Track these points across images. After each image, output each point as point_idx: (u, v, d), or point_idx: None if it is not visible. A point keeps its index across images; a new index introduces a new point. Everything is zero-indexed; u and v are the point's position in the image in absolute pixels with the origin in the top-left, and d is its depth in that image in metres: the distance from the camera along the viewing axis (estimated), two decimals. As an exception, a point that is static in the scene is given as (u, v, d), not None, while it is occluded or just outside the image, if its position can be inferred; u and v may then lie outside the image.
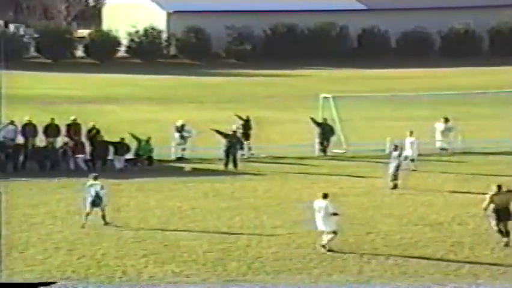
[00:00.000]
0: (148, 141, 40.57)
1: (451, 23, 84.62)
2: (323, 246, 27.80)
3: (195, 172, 39.74)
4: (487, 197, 28.26)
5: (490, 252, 28.08)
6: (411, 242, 28.97)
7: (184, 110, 51.43)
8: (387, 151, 43.18)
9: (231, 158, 40.07)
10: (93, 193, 30.56)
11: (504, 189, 28.34)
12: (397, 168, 35.97)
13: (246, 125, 42.66)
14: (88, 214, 30.56)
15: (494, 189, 28.33)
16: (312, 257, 27.43)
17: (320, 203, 28.37)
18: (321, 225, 28.06)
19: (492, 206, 28.02)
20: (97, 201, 30.49)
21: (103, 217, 30.69)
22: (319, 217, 28.14)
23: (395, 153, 36.52)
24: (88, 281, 21.25)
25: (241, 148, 41.24)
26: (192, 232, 29.97)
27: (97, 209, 30.59)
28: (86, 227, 30.09)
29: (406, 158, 38.04)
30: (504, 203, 27.96)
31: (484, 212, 28.57)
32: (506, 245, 27.97)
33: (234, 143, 40.29)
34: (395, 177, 35.84)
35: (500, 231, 28.08)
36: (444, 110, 45.91)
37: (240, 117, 42.87)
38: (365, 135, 44.95)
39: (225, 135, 40.46)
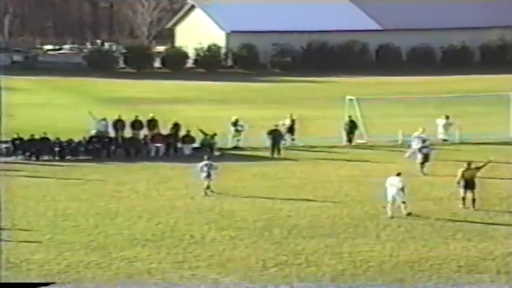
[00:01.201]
0: (213, 136, 40.53)
1: (450, 41, 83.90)
2: (409, 213, 27.81)
3: (246, 157, 39.67)
4: (459, 172, 29.11)
5: (481, 220, 27.83)
6: (417, 213, 28.74)
7: (238, 109, 51.29)
8: (399, 142, 42.91)
9: (276, 147, 40.08)
10: (206, 169, 30.93)
11: (472, 166, 29.30)
12: (425, 157, 35.19)
13: (293, 122, 42.91)
14: (208, 187, 31.05)
15: (465, 165, 29.33)
16: (339, 225, 27.33)
17: (393, 179, 28.34)
18: (393, 197, 28.03)
19: (462, 178, 28.91)
20: (209, 175, 31.10)
21: (208, 187, 31.01)
22: (391, 190, 28.02)
23: (421, 144, 36.05)
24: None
25: (283, 139, 41.26)
26: (244, 205, 29.96)
27: (207, 182, 30.99)
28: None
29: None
30: (471, 177, 28.94)
31: (457, 184, 29.07)
32: (473, 206, 28.69)
33: (276, 136, 40.43)
34: (423, 163, 35.12)
35: (464, 198, 28.90)
36: (445, 109, 45.45)
37: (291, 116, 43.07)
38: (381, 129, 44.58)
39: (270, 131, 40.51)
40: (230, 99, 61.49)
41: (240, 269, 22.86)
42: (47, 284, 14.61)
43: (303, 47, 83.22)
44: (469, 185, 28.84)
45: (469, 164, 29.39)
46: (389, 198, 28.19)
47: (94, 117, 41.29)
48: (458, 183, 29.02)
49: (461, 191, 28.94)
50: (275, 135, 40.42)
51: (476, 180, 29.12)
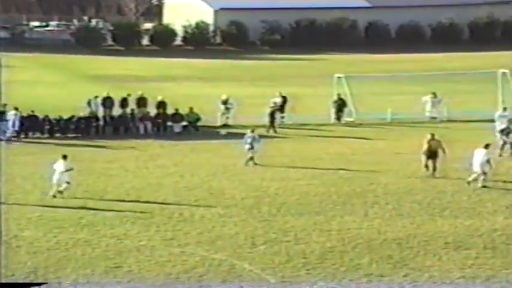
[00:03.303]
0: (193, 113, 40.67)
1: (438, 18, 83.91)
2: (484, 186, 28.55)
3: (236, 135, 39.77)
4: (424, 142, 30.74)
5: (467, 198, 28.06)
6: (405, 190, 28.97)
7: (227, 87, 51.35)
8: (388, 120, 43.06)
9: (272, 125, 40.48)
10: (249, 141, 31.88)
11: (436, 137, 30.99)
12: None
13: (283, 100, 43.00)
14: (251, 158, 31.90)
15: (428, 136, 31.01)
16: (327, 203, 27.50)
17: (480, 151, 28.89)
18: (477, 168, 28.82)
19: (426, 148, 30.50)
20: (252, 147, 31.97)
21: (251, 158, 31.70)
22: (477, 161, 28.81)
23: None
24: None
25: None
26: (233, 183, 30.10)
27: (251, 154, 31.88)
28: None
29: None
30: (434, 147, 30.50)
31: (423, 154, 30.45)
32: (433, 175, 30.21)
33: (273, 113, 40.78)
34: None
35: (426, 166, 30.47)
36: (433, 87, 45.60)
37: (280, 94, 43.12)
38: (370, 107, 44.75)
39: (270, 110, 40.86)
40: (219, 76, 61.48)
41: (229, 247, 23.03)
42: (40, 284, 14.56)
43: (292, 25, 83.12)
44: (431, 155, 30.48)
45: (433, 134, 31.08)
46: (475, 168, 28.81)
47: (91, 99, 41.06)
48: (424, 153, 30.54)
49: (423, 159, 30.59)
50: (273, 113, 40.74)
51: (440, 150, 30.50)
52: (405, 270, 21.57)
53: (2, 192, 25.24)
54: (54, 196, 27.23)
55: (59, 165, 27.60)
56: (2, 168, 28.45)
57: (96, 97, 41.20)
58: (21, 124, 38.33)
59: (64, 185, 27.37)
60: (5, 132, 37.80)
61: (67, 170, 27.40)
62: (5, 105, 38.62)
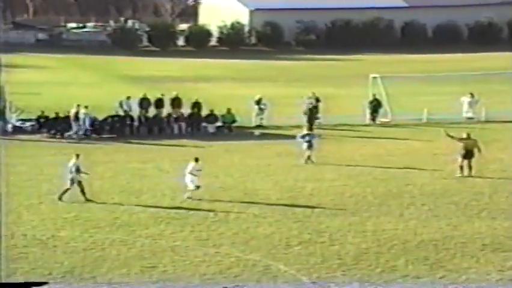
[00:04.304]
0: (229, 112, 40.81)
1: (476, 17, 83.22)
2: None
3: (270, 136, 39.80)
4: (460, 141, 31.03)
5: (505, 199, 27.79)
6: (441, 191, 28.76)
7: (261, 87, 51.38)
8: (424, 120, 42.82)
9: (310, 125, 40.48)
10: (307, 139, 32.17)
11: (472, 137, 31.12)
12: None
13: (317, 100, 42.91)
14: (309, 157, 32.22)
15: (464, 135, 31.15)
16: (362, 204, 27.40)
17: None
18: None
19: (462, 147, 30.62)
20: (310, 146, 32.29)
21: (309, 157, 32.01)
22: None
23: None
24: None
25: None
26: (267, 183, 30.08)
27: (308, 151, 32.09)
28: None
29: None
30: (470, 147, 30.59)
31: (459, 153, 30.57)
32: (469, 175, 30.20)
33: (312, 113, 40.77)
34: None
35: (461, 167, 30.47)
36: (471, 87, 45.25)
37: (314, 94, 43.06)
38: (406, 107, 44.51)
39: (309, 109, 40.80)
40: (253, 77, 61.52)
41: (264, 247, 23.03)
42: (40, 283, 14.63)
43: (327, 25, 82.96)
44: (468, 154, 30.50)
45: (468, 134, 31.18)
46: None
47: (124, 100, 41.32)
48: (460, 153, 30.63)
49: (459, 159, 30.54)
50: (311, 113, 40.69)
51: (475, 150, 30.55)
52: (442, 272, 21.41)
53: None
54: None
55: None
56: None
57: (128, 98, 41.45)
58: (92, 123, 38.62)
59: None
60: (77, 131, 38.09)
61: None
62: (78, 105, 38.96)
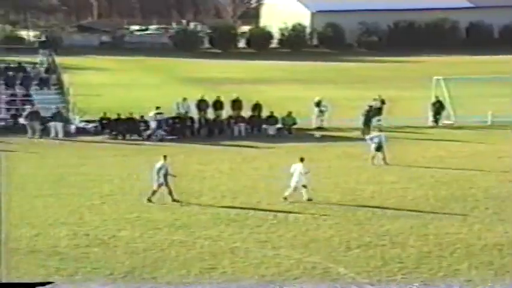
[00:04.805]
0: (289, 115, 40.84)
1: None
2: None
3: (331, 138, 39.66)
4: None
5: None
6: (507, 195, 28.28)
7: (322, 89, 51.22)
8: (488, 122, 42.22)
9: (367, 127, 40.24)
10: (376, 141, 32.01)
11: None
12: None
13: (382, 103, 42.73)
14: (373, 157, 32.35)
15: None
16: (424, 207, 27.12)
17: None
18: None
19: None
20: (379, 147, 32.26)
21: (384, 159, 32.26)
22: None
23: None
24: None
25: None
26: (327, 186, 29.96)
27: (378, 153, 32.16)
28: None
29: None
30: None
31: None
32: None
33: (369, 116, 40.51)
34: None
35: None
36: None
37: (380, 97, 42.90)
38: (470, 109, 43.94)
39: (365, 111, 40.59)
40: (314, 79, 61.40)
41: (323, 250, 22.94)
42: (45, 283, 14.80)
43: (390, 26, 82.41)
44: None
45: None
46: None
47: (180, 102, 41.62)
48: None
49: None
50: (368, 115, 40.47)
51: None
52: (508, 277, 21.03)
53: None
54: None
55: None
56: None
57: (184, 99, 41.72)
58: (167, 124, 38.96)
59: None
60: (155, 133, 38.50)
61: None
62: (157, 108, 39.39)
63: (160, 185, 27.29)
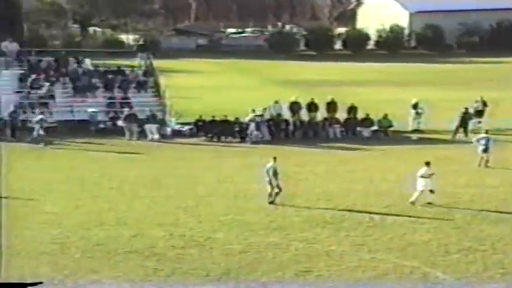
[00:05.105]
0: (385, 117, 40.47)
1: None
2: None
3: (428, 140, 39.07)
4: None
5: None
6: None
7: (419, 91, 50.56)
8: None
9: (460, 128, 39.50)
10: (483, 143, 32.30)
11: None
12: None
13: (484, 104, 42.02)
14: (487, 161, 32.35)
15: None
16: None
17: None
18: None
19: None
20: (486, 149, 32.30)
21: (487, 162, 32.23)
22: None
23: None
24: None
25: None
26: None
27: (484, 155, 32.25)
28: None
29: None
30: None
31: None
32: None
33: (465, 118, 39.78)
34: None
35: None
36: None
37: (481, 98, 42.24)
38: None
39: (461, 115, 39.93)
40: (412, 81, 60.66)
41: (421, 254, 22.59)
42: (36, 283, 14.98)
43: (492, 26, 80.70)
44: None
45: None
46: None
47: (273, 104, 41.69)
48: None
49: None
50: (464, 118, 39.79)
51: None
52: None
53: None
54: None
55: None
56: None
57: (276, 102, 41.73)
58: (268, 128, 39.10)
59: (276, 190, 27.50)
60: (252, 135, 38.82)
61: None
62: (253, 110, 39.71)
63: (277, 186, 27.20)
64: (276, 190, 27.29)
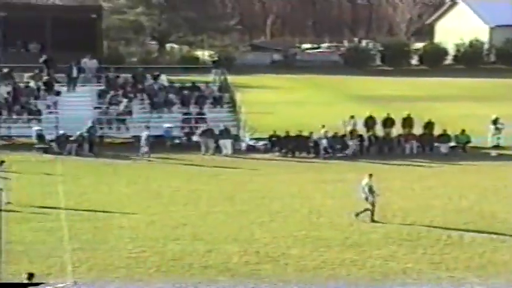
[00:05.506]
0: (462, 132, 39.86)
1: None
2: None
3: (508, 157, 38.29)
4: None
5: None
6: None
7: (499, 106, 49.62)
8: None
9: None
10: None
11: None
12: None
13: None
14: None
15: None
16: None
17: None
18: None
19: None
20: None
21: None
22: None
23: None
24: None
25: None
26: (506, 206, 28.86)
27: None
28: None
29: None
30: None
31: None
32: None
33: None
34: None
35: None
36: None
37: None
38: None
39: None
40: (491, 96, 59.61)
41: (502, 273, 22.09)
42: (37, 284, 15.01)
43: None
44: None
45: None
46: None
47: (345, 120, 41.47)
48: None
49: None
50: None
51: None
52: None
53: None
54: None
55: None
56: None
57: (352, 117, 41.46)
58: (330, 145, 39.24)
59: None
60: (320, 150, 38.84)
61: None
62: (323, 126, 39.51)
63: (372, 203, 26.97)
64: (370, 207, 26.94)
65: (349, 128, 40.71)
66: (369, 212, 27.07)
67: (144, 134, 39.16)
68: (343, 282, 21.72)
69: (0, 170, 29.27)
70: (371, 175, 27.43)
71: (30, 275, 17.33)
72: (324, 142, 39.13)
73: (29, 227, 26.09)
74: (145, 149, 38.65)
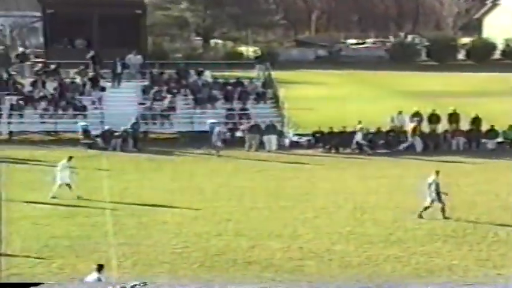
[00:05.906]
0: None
1: None
2: None
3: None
4: None
5: None
6: None
7: (548, 101, 49.00)
8: None
9: None
10: None
11: None
12: None
13: None
14: None
15: None
16: None
17: None
18: None
19: None
20: None
21: None
22: None
23: None
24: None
25: None
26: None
27: None
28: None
29: None
30: None
31: None
32: None
33: None
34: None
35: None
36: None
37: None
38: None
39: None
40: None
41: (549, 271, 21.81)
42: (37, 284, 15.30)
43: None
44: None
45: None
46: None
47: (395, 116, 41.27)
48: None
49: None
50: None
51: None
52: None
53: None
54: None
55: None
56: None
57: (400, 112, 41.22)
58: (364, 138, 39.13)
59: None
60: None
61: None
62: (359, 122, 39.47)
63: (432, 201, 26.77)
64: (429, 205, 26.75)
65: (398, 124, 40.51)
66: (431, 209, 26.67)
67: (216, 130, 39.25)
68: (386, 278, 21.62)
69: (69, 165, 29.70)
70: (437, 172, 27.11)
71: (100, 266, 17.68)
72: (359, 137, 38.94)
73: (74, 222, 26.39)
74: (218, 143, 38.61)
